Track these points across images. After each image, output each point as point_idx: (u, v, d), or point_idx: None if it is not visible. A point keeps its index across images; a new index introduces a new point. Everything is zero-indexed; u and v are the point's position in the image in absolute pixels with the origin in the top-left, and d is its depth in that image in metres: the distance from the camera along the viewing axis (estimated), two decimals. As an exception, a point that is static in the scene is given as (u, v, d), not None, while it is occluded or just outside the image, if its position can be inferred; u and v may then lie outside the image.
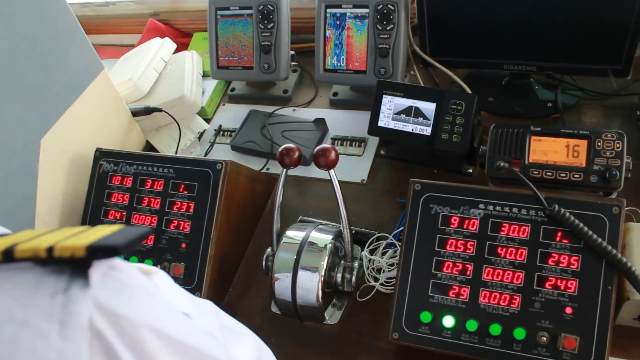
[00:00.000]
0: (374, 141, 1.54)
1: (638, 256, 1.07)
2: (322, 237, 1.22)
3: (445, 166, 1.43)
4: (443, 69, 1.53)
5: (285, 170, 1.23)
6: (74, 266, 0.49)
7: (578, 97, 1.52)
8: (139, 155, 1.41)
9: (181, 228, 1.32)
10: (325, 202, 1.43)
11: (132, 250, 1.35)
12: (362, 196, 1.45)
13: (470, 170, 1.40)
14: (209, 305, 0.81)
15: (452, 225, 1.12)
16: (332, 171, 1.19)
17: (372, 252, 1.31)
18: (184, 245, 1.31)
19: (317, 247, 1.20)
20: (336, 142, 1.56)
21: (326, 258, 1.18)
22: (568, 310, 1.04)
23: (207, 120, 1.75)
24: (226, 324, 0.86)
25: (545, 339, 1.03)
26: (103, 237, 0.50)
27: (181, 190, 1.34)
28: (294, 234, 1.24)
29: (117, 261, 0.53)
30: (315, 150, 1.18)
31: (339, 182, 1.44)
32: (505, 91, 1.57)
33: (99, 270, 0.50)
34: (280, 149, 1.21)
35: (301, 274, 1.18)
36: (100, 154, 1.43)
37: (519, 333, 1.04)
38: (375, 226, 1.35)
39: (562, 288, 1.05)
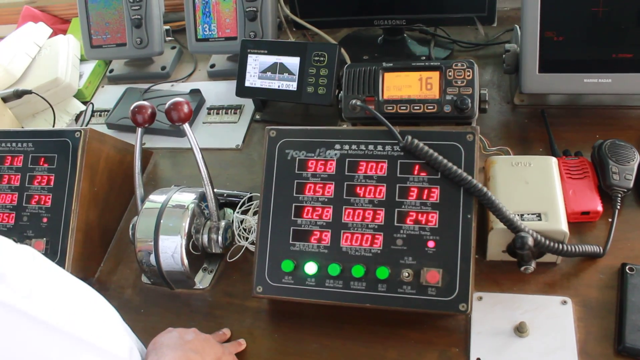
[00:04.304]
0: (250, 108, 1.44)
1: (502, 187, 1.00)
2: (185, 198, 1.11)
3: (320, 124, 1.33)
4: (314, 29, 1.45)
5: (140, 129, 1.13)
6: None
7: (451, 50, 1.46)
8: (-5, 132, 1.28)
9: (42, 202, 1.19)
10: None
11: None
12: (237, 161, 1.35)
13: (345, 126, 1.32)
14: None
15: (309, 169, 1.03)
16: (186, 125, 1.08)
17: (244, 213, 1.20)
18: (45, 219, 1.18)
19: (178, 209, 1.09)
20: (212, 111, 1.46)
21: (188, 219, 1.07)
22: (430, 244, 0.96)
23: (86, 104, 1.63)
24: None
25: (407, 274, 0.94)
26: None
27: (41, 163, 1.22)
28: (156, 198, 1.12)
29: None
30: (167, 105, 1.07)
31: (214, 149, 1.37)
32: (381, 49, 1.49)
33: None
34: (132, 107, 1.10)
35: (163, 238, 1.07)
36: (-43, 136, 1.29)
37: (382, 272, 0.95)
38: (250, 189, 1.24)
39: (423, 222, 0.96)
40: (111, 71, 1.69)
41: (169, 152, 1.42)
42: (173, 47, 1.67)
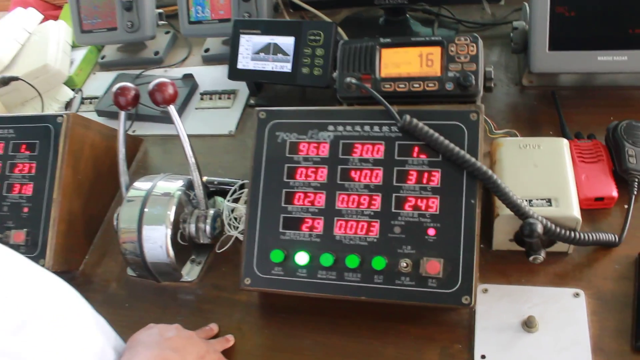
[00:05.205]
0: (244, 93, 1.37)
1: (508, 171, 0.93)
2: (171, 186, 1.04)
3: (317, 108, 1.27)
4: (312, 10, 1.37)
5: (123, 112, 1.06)
6: None
7: (456, 30, 1.38)
8: (-26, 120, 1.21)
9: (23, 191, 1.13)
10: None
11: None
12: (230, 148, 1.28)
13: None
14: None
15: (300, 152, 0.95)
16: (171, 107, 1.01)
17: (236, 202, 1.13)
18: (26, 209, 1.12)
19: (164, 197, 1.02)
20: (205, 96, 1.39)
21: (174, 208, 1.00)
22: (431, 231, 0.88)
23: (77, 91, 1.56)
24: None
25: (405, 264, 0.87)
26: None
27: (22, 150, 1.15)
28: (141, 185, 1.05)
29: None
30: (150, 86, 1.00)
31: (206, 135, 1.30)
32: (382, 30, 1.41)
33: None
34: (114, 88, 1.03)
35: (147, 227, 1.00)
36: None
37: (379, 262, 0.88)
38: (242, 176, 1.17)
39: (423, 208, 0.89)
40: (103, 57, 1.62)
41: (160, 139, 1.35)
42: (167, 32, 1.60)
